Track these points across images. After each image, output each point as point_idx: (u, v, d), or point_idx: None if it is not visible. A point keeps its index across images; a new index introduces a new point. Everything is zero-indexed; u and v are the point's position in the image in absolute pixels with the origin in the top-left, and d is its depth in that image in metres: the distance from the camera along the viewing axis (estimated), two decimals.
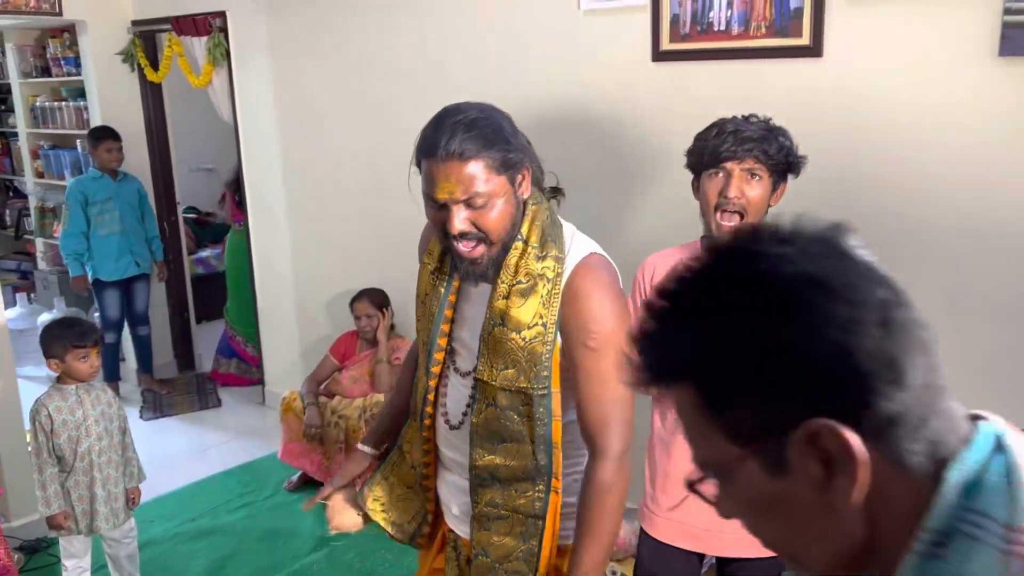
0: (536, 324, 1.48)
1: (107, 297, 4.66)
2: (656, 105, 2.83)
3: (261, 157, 4.36)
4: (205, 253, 6.44)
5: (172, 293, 5.19)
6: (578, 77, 3.01)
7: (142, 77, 4.87)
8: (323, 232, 4.15)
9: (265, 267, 4.55)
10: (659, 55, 2.79)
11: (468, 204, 1.41)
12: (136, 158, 4.83)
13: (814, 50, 2.47)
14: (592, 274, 1.50)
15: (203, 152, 7.01)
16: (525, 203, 1.51)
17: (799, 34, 2.50)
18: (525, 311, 1.48)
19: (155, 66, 4.76)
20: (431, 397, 1.64)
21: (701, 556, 1.96)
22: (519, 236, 1.50)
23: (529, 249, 1.49)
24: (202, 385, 5.08)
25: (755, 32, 2.57)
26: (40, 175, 5.69)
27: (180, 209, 5.31)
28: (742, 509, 0.74)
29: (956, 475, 0.66)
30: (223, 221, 6.95)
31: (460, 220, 1.42)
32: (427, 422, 1.66)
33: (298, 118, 4.10)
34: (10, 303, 5.71)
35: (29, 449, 2.70)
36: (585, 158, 3.05)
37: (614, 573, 2.83)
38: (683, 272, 0.71)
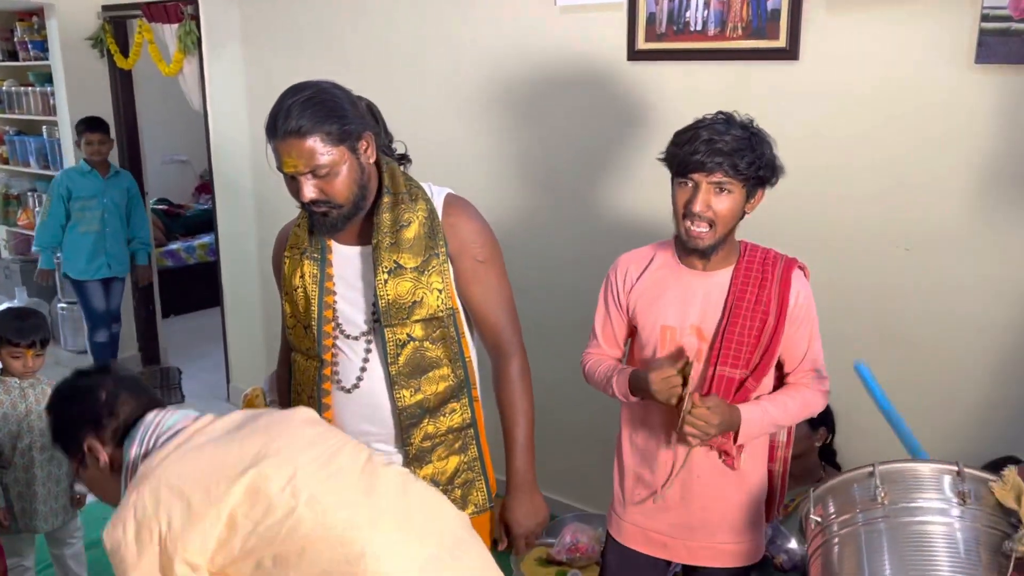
0: (431, 256, 1.66)
1: (89, 292, 4.49)
2: (631, 104, 2.78)
3: (231, 147, 4.26)
4: (175, 246, 6.32)
5: (138, 286, 5.07)
6: (553, 74, 2.95)
7: (111, 64, 4.76)
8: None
9: (231, 259, 4.45)
10: (635, 54, 2.74)
11: (313, 174, 1.55)
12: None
13: (791, 53, 2.43)
14: (461, 204, 1.73)
15: (177, 143, 6.90)
16: (378, 164, 1.66)
17: (776, 36, 2.45)
18: (415, 250, 1.65)
19: (125, 53, 4.65)
20: (327, 372, 1.73)
21: (667, 563, 1.94)
22: (386, 190, 1.66)
23: (400, 197, 1.66)
24: (166, 380, 4.97)
25: (731, 33, 2.52)
26: (5, 161, 5.55)
27: (150, 201, 5.19)
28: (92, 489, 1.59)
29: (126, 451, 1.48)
30: (194, 213, 6.86)
31: (309, 188, 1.56)
32: (326, 400, 1.74)
33: (269, 108, 3.99)
34: None
35: None
36: (559, 155, 3.00)
37: None
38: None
